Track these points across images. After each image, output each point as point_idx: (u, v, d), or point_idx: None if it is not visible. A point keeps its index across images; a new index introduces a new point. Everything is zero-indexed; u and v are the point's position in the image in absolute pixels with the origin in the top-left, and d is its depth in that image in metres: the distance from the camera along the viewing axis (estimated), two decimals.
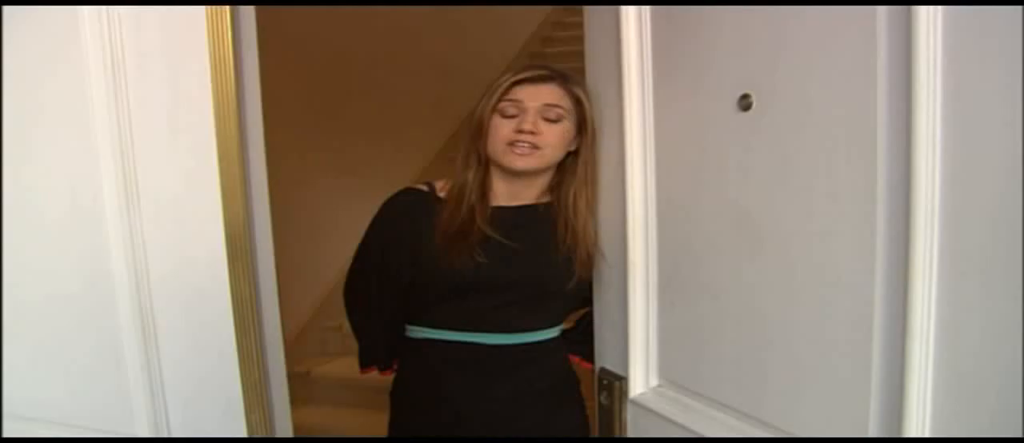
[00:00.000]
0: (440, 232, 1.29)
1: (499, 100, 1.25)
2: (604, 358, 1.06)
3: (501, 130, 1.25)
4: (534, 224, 1.31)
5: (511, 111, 1.25)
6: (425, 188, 1.39)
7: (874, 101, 0.66)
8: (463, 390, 1.33)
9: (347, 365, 3.23)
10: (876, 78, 0.66)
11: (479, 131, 1.28)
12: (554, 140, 1.25)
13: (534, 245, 1.30)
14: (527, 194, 1.34)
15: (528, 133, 1.23)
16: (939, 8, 0.60)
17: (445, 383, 1.33)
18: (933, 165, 0.62)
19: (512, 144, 1.24)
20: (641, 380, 0.99)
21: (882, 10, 0.65)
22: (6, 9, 0.99)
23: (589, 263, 1.23)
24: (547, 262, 1.28)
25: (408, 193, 1.39)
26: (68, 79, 0.99)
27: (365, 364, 1.46)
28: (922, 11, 0.61)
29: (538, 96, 1.24)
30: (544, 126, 1.24)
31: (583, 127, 1.26)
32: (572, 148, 1.29)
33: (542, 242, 1.29)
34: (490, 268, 1.27)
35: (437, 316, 1.34)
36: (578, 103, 1.26)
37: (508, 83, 1.25)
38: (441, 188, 1.36)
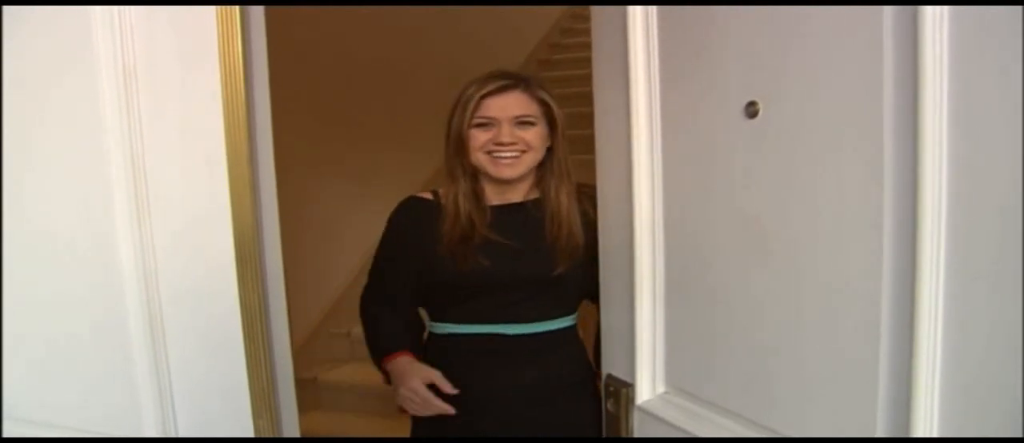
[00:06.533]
0: (444, 243, 1.36)
1: (472, 116, 1.34)
2: (611, 365, 1.06)
3: (479, 139, 1.34)
4: (526, 220, 1.40)
5: (484, 122, 1.34)
6: (430, 196, 1.45)
7: (880, 106, 0.66)
8: (488, 378, 1.37)
9: (355, 371, 3.24)
10: (882, 83, 0.65)
11: (460, 146, 1.36)
12: (534, 142, 1.36)
13: (528, 240, 1.38)
14: (514, 194, 1.42)
15: (509, 146, 1.33)
16: (945, 8, 0.60)
17: (470, 372, 1.36)
18: (940, 169, 0.62)
19: (492, 154, 1.34)
20: (648, 387, 0.99)
21: (888, 15, 0.65)
22: (19, 15, 1.00)
23: (571, 248, 1.34)
24: (540, 254, 1.36)
25: (412, 202, 1.46)
26: (79, 84, 1.00)
27: (389, 350, 1.43)
28: (928, 12, 0.61)
29: (507, 108, 1.34)
30: (520, 132, 1.34)
31: (553, 126, 1.38)
32: (548, 144, 1.39)
33: (534, 236, 1.38)
34: (494, 268, 1.34)
35: (457, 313, 1.40)
36: (544, 105, 1.37)
37: (476, 98, 1.34)
38: (444, 195, 1.42)
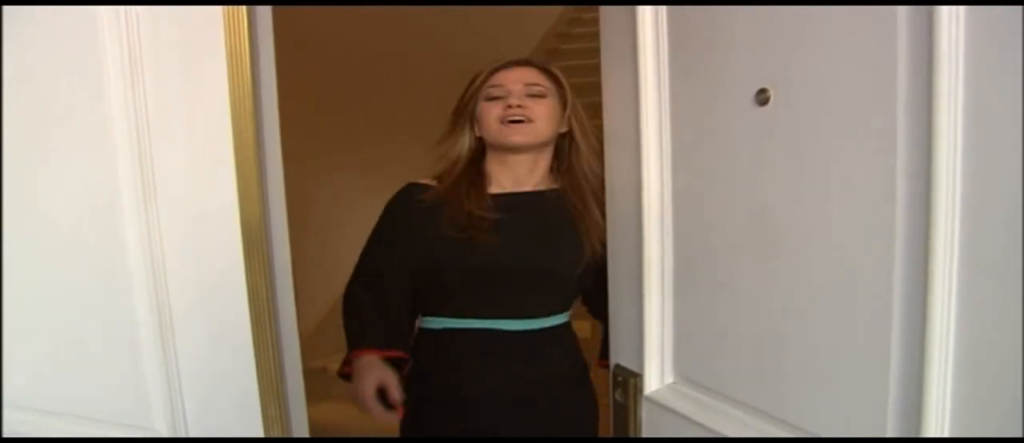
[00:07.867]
0: (448, 227, 1.34)
1: (483, 86, 1.37)
2: (619, 355, 1.05)
3: (492, 111, 1.36)
4: (544, 210, 1.38)
5: (497, 94, 1.36)
6: (431, 183, 1.44)
7: (894, 97, 0.65)
8: (485, 377, 1.36)
9: None
10: (896, 73, 0.65)
11: (472, 123, 1.39)
12: (543, 114, 1.36)
13: (546, 231, 1.37)
14: (529, 180, 1.41)
15: (517, 109, 1.34)
16: (961, 8, 0.59)
17: (467, 370, 1.35)
18: (953, 161, 0.61)
19: (503, 121, 1.35)
20: (656, 377, 0.99)
21: (902, 8, 0.64)
22: (24, 9, 0.99)
23: (597, 249, 1.31)
24: (558, 248, 1.35)
25: (412, 188, 1.44)
26: (85, 77, 1.00)
27: (363, 345, 1.40)
28: (944, 10, 0.60)
29: (518, 78, 1.36)
30: (530, 101, 1.35)
31: (565, 105, 1.39)
32: (563, 129, 1.39)
33: (554, 228, 1.36)
34: (505, 253, 1.33)
35: (456, 305, 1.37)
36: (557, 82, 1.39)
37: (486, 73, 1.38)
38: (446, 181, 1.43)
